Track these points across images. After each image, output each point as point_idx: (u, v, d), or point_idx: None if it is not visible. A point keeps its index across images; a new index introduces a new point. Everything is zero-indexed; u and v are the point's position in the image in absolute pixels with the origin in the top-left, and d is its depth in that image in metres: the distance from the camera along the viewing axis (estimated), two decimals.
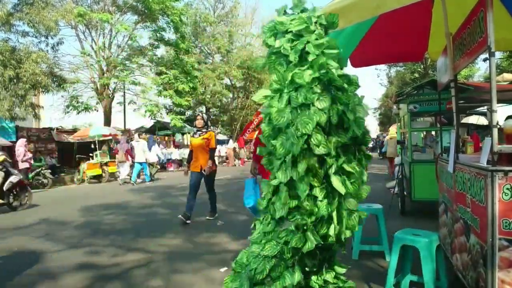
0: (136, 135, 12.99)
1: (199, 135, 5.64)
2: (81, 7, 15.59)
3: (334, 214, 1.58)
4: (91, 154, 13.32)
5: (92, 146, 14.13)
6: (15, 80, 11.56)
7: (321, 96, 1.57)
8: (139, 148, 11.93)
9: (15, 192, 7.19)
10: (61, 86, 14.26)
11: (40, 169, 11.49)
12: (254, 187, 4.31)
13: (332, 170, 1.57)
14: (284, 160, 1.61)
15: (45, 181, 11.44)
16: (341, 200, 1.60)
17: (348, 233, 1.64)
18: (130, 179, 11.98)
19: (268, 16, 32.01)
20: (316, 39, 1.70)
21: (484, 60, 9.91)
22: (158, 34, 18.81)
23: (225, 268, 3.50)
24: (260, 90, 1.80)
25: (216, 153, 22.41)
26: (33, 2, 12.61)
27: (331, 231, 1.57)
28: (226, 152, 22.12)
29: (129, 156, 12.48)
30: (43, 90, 13.11)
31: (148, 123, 22.19)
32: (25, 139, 11.04)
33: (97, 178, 12.82)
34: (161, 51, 23.02)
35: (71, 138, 15.34)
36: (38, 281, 3.30)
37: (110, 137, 15.26)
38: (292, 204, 1.62)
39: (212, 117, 28.77)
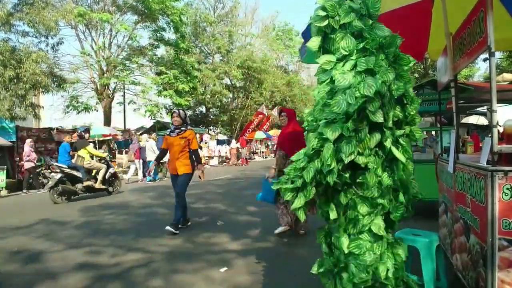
0: (145, 136, 13.31)
1: (177, 134, 5.03)
2: (81, 7, 15.60)
3: (399, 184, 1.62)
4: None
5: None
6: (15, 80, 11.56)
7: (386, 69, 1.62)
8: (148, 148, 12.34)
9: (111, 180, 9.23)
10: (61, 86, 14.27)
11: (40, 169, 11.48)
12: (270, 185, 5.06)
13: (389, 141, 1.60)
14: (334, 119, 1.63)
15: (45, 181, 11.41)
16: (402, 171, 1.62)
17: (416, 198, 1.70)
18: (143, 177, 12.65)
19: (268, 16, 32.00)
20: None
21: (484, 60, 9.91)
22: (158, 34, 18.82)
23: (225, 268, 3.50)
24: (324, 55, 1.77)
25: (216, 153, 22.42)
26: (33, 2, 12.61)
27: (401, 198, 1.61)
28: (226, 152, 22.16)
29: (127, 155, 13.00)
30: (43, 90, 13.12)
31: (148, 123, 22.22)
32: (30, 139, 11.11)
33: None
34: (161, 51, 23.06)
35: (69, 138, 15.29)
36: (38, 281, 3.30)
37: (110, 137, 15.26)
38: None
39: (212, 117, 28.79)
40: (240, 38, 30.18)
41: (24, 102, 12.02)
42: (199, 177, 5.19)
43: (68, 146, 8.72)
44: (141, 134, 13.41)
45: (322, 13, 1.74)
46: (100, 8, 17.38)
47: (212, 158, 21.25)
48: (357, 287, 1.70)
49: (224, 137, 25.89)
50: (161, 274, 3.41)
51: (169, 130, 5.26)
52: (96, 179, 8.53)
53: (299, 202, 1.70)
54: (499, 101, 3.70)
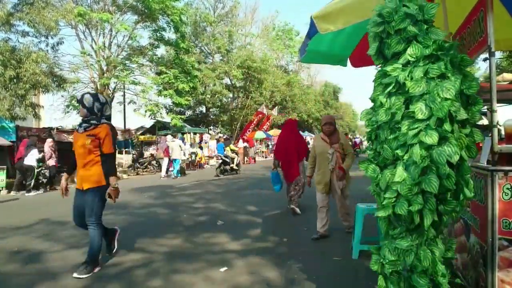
0: (170, 136, 14.75)
1: (84, 130, 3.51)
2: (81, 7, 15.58)
3: (461, 178, 1.68)
4: None
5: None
6: (15, 80, 11.54)
7: (454, 72, 1.67)
8: (175, 146, 13.60)
9: (238, 165, 14.29)
10: (61, 86, 14.25)
11: (40, 169, 11.47)
12: (277, 177, 6.54)
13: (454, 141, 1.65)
14: (427, 125, 1.62)
15: (45, 180, 11.42)
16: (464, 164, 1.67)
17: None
18: (170, 173, 13.89)
19: (268, 16, 31.99)
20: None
21: (484, 60, 9.90)
22: (158, 34, 18.81)
23: (225, 268, 3.50)
24: (391, 63, 1.81)
25: (216, 153, 22.51)
26: (33, 2, 12.59)
27: (468, 193, 1.65)
28: (232, 152, 22.18)
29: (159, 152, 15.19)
30: (43, 90, 13.10)
31: (148, 123, 22.21)
32: (51, 140, 11.46)
33: None
34: (161, 50, 23.06)
35: (71, 138, 15.31)
36: (38, 281, 3.30)
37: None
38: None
39: (212, 117, 28.80)
40: (240, 38, 30.17)
41: (24, 102, 12.01)
42: (109, 195, 3.60)
43: (222, 144, 15.39)
44: (174, 136, 14.98)
45: (379, 19, 1.81)
46: (100, 8, 17.37)
47: (212, 158, 21.26)
48: (385, 269, 1.78)
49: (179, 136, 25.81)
50: (161, 274, 3.41)
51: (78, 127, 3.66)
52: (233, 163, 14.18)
53: (429, 219, 1.65)
54: (499, 101, 3.69)
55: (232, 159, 14.32)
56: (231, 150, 15.35)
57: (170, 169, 13.93)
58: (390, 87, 1.77)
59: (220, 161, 13.86)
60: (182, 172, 14.31)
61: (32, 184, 10.05)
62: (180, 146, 13.84)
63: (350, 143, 20.36)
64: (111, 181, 3.55)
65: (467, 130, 1.67)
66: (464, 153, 1.65)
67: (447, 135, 1.60)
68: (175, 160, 13.64)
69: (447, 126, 1.60)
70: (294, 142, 6.20)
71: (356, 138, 32.85)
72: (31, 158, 9.97)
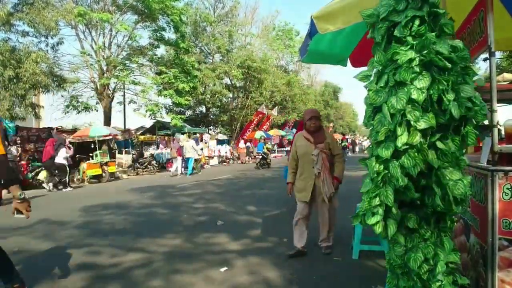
0: (183, 136, 15.91)
1: None
2: (81, 7, 15.58)
3: (434, 185, 1.63)
4: (91, 154, 13.32)
5: (92, 146, 14.12)
6: (15, 80, 11.55)
7: (420, 75, 1.60)
8: (188, 146, 14.55)
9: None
10: (61, 86, 14.26)
11: (40, 169, 11.48)
12: None
13: (426, 146, 1.62)
14: (387, 137, 1.65)
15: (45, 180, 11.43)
16: (440, 172, 1.63)
17: (459, 199, 1.66)
18: (182, 172, 14.75)
19: (268, 16, 31.99)
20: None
21: (484, 60, 9.89)
22: (158, 34, 18.81)
23: (225, 268, 3.50)
24: (362, 69, 1.82)
25: (216, 153, 22.54)
26: (33, 2, 12.60)
27: (438, 201, 1.62)
28: (226, 152, 22.22)
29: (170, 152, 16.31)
30: (43, 90, 13.11)
31: (148, 122, 22.22)
32: (65, 137, 11.95)
33: (97, 178, 12.83)
34: (161, 50, 23.05)
35: (71, 138, 15.34)
36: (38, 281, 3.30)
37: (110, 137, 15.27)
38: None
39: (212, 117, 28.80)
40: (240, 38, 30.18)
41: (24, 102, 12.02)
42: (17, 211, 2.51)
43: (262, 144, 18.18)
44: (189, 136, 15.99)
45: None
46: (100, 7, 17.37)
47: (212, 158, 21.28)
48: (394, 269, 1.80)
49: (224, 137, 25.90)
50: (161, 274, 3.41)
51: None
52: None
53: (393, 229, 1.68)
54: (499, 101, 3.69)
55: (267, 155, 18.03)
56: (267, 148, 18.85)
57: (178, 166, 14.84)
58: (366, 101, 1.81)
59: (260, 157, 17.45)
60: (197, 168, 15.55)
61: (67, 180, 11.00)
62: (193, 146, 14.73)
63: (343, 143, 20.39)
64: (13, 192, 2.49)
65: (436, 136, 1.61)
66: (435, 162, 1.61)
67: (404, 148, 1.60)
68: (188, 159, 14.54)
69: (401, 139, 1.59)
70: None
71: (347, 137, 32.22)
72: (61, 157, 10.74)
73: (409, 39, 1.64)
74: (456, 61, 1.61)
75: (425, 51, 1.60)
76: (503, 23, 3.00)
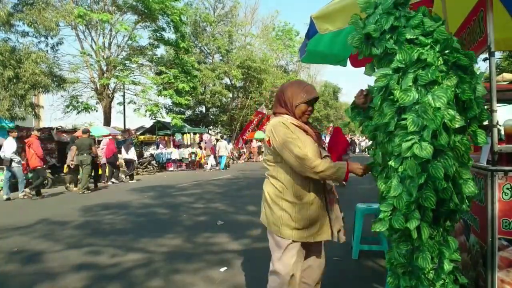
0: (213, 137, 19.25)
1: None
2: (81, 8, 15.58)
3: (450, 184, 1.60)
4: None
5: None
6: (14, 80, 11.54)
7: (448, 75, 1.58)
8: (222, 145, 17.36)
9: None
10: (61, 86, 14.25)
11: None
12: None
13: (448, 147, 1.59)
14: (421, 137, 1.56)
15: (45, 181, 11.42)
16: (456, 172, 1.61)
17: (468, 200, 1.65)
18: (217, 167, 17.48)
19: (268, 16, 31.99)
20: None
21: (484, 60, 9.89)
22: (158, 34, 18.81)
23: (225, 268, 3.50)
24: (379, 69, 1.72)
25: (222, 152, 22.96)
26: (33, 2, 12.59)
27: (455, 199, 1.59)
28: (232, 152, 22.32)
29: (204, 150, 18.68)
30: (43, 90, 13.10)
31: (148, 122, 22.22)
32: (109, 137, 12.99)
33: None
34: (161, 50, 23.07)
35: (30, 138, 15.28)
36: (38, 281, 3.30)
37: (110, 137, 15.27)
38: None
39: (212, 117, 28.81)
40: (239, 38, 30.19)
41: (24, 102, 12.00)
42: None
43: None
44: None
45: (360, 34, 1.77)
46: (100, 8, 17.37)
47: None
48: (395, 269, 1.77)
49: (224, 137, 25.90)
50: (161, 274, 3.41)
51: None
52: None
53: (426, 232, 1.63)
54: (499, 101, 3.70)
55: None
56: None
57: (212, 162, 17.73)
58: (382, 92, 1.71)
59: None
60: (227, 165, 17.72)
61: (133, 173, 13.41)
62: (225, 146, 17.54)
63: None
64: None
65: (459, 137, 1.60)
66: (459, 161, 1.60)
67: (443, 148, 1.56)
68: (221, 156, 17.21)
69: (442, 139, 1.55)
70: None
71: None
72: (131, 154, 13.23)
73: (423, 38, 1.62)
74: (471, 60, 1.62)
75: (447, 51, 1.59)
76: (503, 23, 3.00)
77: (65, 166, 11.22)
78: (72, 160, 10.41)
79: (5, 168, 9.13)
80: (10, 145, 8.85)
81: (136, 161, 14.28)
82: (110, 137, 13.25)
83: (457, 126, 1.54)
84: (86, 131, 10.85)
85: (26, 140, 9.34)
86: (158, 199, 8.14)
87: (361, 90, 1.94)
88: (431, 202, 1.57)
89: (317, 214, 2.03)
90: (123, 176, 13.09)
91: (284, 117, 2.06)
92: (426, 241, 1.66)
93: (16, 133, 9.52)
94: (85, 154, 10.02)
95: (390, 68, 1.68)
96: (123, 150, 13.29)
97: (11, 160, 8.87)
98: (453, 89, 1.56)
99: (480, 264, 2.10)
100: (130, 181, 12.66)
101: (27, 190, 8.94)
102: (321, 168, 1.90)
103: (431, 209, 1.61)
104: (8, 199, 8.66)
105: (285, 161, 1.97)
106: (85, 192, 9.73)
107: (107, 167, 12.53)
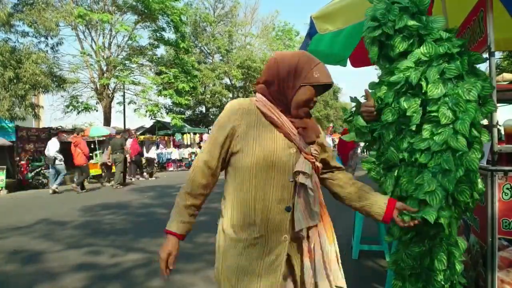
0: None
1: None
2: (81, 8, 15.57)
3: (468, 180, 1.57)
4: (91, 154, 13.31)
5: (92, 146, 14.12)
6: (15, 81, 11.54)
7: (469, 73, 1.58)
8: None
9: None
10: (61, 86, 14.25)
11: (40, 169, 11.48)
12: None
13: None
14: (454, 129, 1.53)
15: (45, 181, 11.43)
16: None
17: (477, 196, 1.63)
18: None
19: (268, 16, 31.98)
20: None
21: (484, 60, 9.90)
22: (158, 34, 18.81)
23: None
24: (403, 61, 1.68)
25: None
26: (33, 2, 12.59)
27: (474, 196, 1.59)
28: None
29: None
30: (43, 90, 13.10)
31: (148, 122, 22.21)
32: (134, 138, 13.69)
33: (97, 178, 12.83)
34: (161, 50, 23.06)
35: (70, 138, 15.34)
36: (38, 281, 3.30)
37: (134, 137, 15.31)
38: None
39: (212, 117, 28.78)
40: (239, 38, 30.17)
41: (24, 103, 12.01)
42: None
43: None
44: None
45: (374, 23, 1.70)
46: (100, 8, 17.37)
47: None
48: (403, 271, 1.73)
49: None
50: (161, 274, 3.41)
51: None
52: None
53: (455, 227, 1.64)
54: (499, 101, 3.70)
55: None
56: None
57: None
58: (398, 86, 1.66)
59: None
60: None
61: (153, 171, 14.53)
62: None
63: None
64: None
65: (476, 133, 1.60)
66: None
67: (474, 140, 1.53)
68: None
69: (475, 131, 1.53)
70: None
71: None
72: (151, 153, 14.89)
73: (443, 34, 1.62)
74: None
75: (463, 49, 1.59)
76: (503, 23, 3.00)
77: (100, 164, 12.58)
78: (108, 159, 11.49)
79: (49, 165, 10.48)
80: (54, 145, 10.08)
81: (156, 160, 15.63)
82: (134, 137, 14.15)
83: (481, 120, 1.55)
84: (119, 132, 12.32)
85: (73, 140, 10.45)
86: (158, 199, 8.14)
87: (367, 92, 1.81)
88: (466, 195, 1.53)
89: (259, 264, 1.27)
90: (145, 173, 13.96)
91: (253, 99, 1.35)
92: (453, 238, 1.64)
93: (64, 135, 11.44)
94: (118, 153, 10.98)
95: (411, 61, 1.64)
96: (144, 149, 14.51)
97: (55, 158, 9.98)
98: (478, 84, 1.55)
99: (480, 264, 2.09)
100: (150, 178, 13.46)
101: (74, 185, 10.04)
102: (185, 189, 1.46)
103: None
104: (55, 192, 9.62)
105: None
106: (118, 187, 10.72)
107: (131, 165, 13.35)
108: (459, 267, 1.63)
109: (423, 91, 1.60)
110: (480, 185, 1.60)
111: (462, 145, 1.50)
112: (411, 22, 1.63)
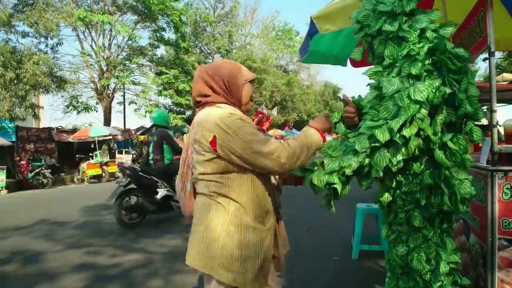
0: None
1: None
2: (81, 10, 15.56)
3: (442, 184, 1.59)
4: (91, 154, 13.34)
5: (92, 146, 14.14)
6: (15, 81, 11.54)
7: (432, 75, 1.57)
8: None
9: None
10: (61, 86, 14.26)
11: (40, 169, 11.49)
12: None
13: (436, 146, 1.58)
14: (386, 123, 1.55)
15: (45, 181, 11.45)
16: (448, 172, 1.60)
17: (465, 201, 1.62)
18: None
19: (268, 16, 31.99)
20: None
21: (484, 60, 9.89)
22: (158, 34, 18.82)
23: None
24: (370, 67, 1.75)
25: None
26: (33, 2, 12.59)
27: (446, 200, 1.58)
28: None
29: None
30: (43, 90, 13.11)
31: (148, 123, 22.19)
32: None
33: (97, 178, 12.84)
34: (161, 50, 23.06)
35: (71, 138, 15.37)
36: (38, 281, 3.30)
37: (110, 137, 15.30)
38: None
39: None
40: (240, 38, 30.18)
41: (24, 103, 12.01)
42: None
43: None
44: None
45: (357, 26, 1.76)
46: (100, 8, 17.37)
47: None
48: (394, 269, 1.78)
49: None
50: (161, 274, 3.41)
51: None
52: None
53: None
54: (499, 101, 3.70)
55: None
56: None
57: None
58: (375, 91, 1.72)
59: None
60: None
61: None
62: None
63: None
64: None
65: (449, 136, 1.58)
66: (446, 159, 1.57)
67: (398, 141, 1.51)
68: None
69: (405, 132, 1.50)
70: None
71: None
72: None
73: (415, 35, 1.61)
74: (463, 61, 1.61)
75: (438, 52, 1.59)
76: (503, 23, 3.00)
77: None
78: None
79: None
80: None
81: None
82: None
83: (421, 126, 1.52)
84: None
85: None
86: None
87: (346, 98, 1.83)
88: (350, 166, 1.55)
89: (263, 239, 1.53)
90: None
91: (224, 107, 1.47)
92: (426, 231, 1.67)
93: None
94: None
95: (382, 66, 1.69)
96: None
97: None
98: (433, 88, 1.55)
99: (480, 264, 2.09)
100: None
101: None
102: (290, 151, 1.45)
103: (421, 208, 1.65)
104: None
105: (254, 168, 1.42)
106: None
107: None
108: (443, 268, 1.64)
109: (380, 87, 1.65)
110: (468, 189, 1.58)
111: (382, 137, 1.51)
112: (386, 27, 1.65)
